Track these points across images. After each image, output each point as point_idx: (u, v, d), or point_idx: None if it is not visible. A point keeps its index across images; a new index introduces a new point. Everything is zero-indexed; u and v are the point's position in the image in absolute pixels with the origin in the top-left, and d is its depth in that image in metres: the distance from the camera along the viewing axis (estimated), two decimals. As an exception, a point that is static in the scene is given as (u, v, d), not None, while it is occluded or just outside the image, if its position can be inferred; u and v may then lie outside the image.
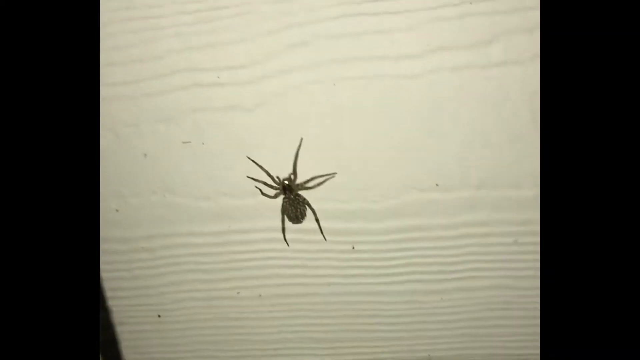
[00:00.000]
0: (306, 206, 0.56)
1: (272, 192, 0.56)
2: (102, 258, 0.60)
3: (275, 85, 0.52)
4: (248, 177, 0.55)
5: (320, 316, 0.60)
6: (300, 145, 0.53)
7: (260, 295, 0.60)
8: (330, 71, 0.51)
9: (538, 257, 0.54)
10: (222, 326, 0.62)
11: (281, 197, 0.56)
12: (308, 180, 0.55)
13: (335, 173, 0.54)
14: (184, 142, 0.55)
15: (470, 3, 0.47)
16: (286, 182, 0.55)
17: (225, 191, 0.56)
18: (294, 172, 0.54)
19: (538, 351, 0.58)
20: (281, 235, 0.57)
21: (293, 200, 0.55)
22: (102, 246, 0.60)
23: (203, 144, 0.54)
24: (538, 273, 0.55)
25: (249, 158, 0.54)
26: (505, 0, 0.47)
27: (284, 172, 0.55)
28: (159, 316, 0.63)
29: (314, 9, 0.49)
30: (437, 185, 0.53)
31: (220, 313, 0.62)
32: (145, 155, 0.55)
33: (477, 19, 0.48)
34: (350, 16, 0.49)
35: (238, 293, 0.60)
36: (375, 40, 0.49)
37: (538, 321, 0.57)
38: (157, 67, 0.51)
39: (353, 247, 0.57)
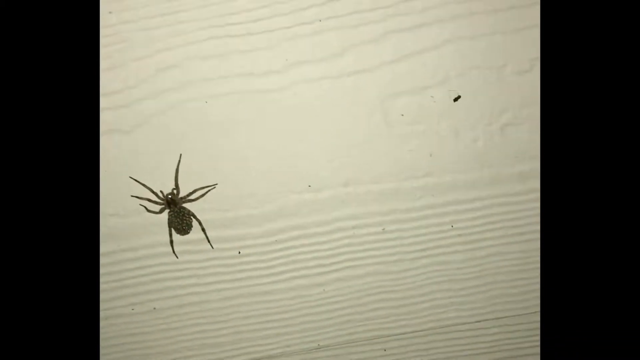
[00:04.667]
0: (192, 217, 0.59)
1: (157, 207, 0.59)
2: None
3: (150, 107, 0.56)
4: (132, 196, 0.58)
5: (213, 322, 0.63)
6: (180, 161, 0.57)
7: (154, 309, 0.63)
8: (202, 90, 0.55)
9: (404, 242, 0.61)
10: (118, 344, 0.63)
11: (166, 211, 0.59)
12: (191, 193, 0.58)
13: (216, 184, 0.58)
14: (65, 168, 0.56)
15: (320, 21, 0.54)
16: (170, 196, 0.58)
17: (111, 212, 0.59)
18: (176, 186, 0.58)
19: (414, 329, 0.65)
20: (170, 249, 0.60)
21: (178, 213, 0.58)
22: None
23: (85, 167, 0.57)
24: (405, 257, 0.61)
25: (131, 178, 0.57)
26: (351, 16, 0.54)
27: (167, 188, 0.58)
28: (54, 344, 0.63)
29: (182, 34, 0.54)
30: (309, 186, 0.59)
31: (116, 331, 0.63)
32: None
33: (328, 35, 0.54)
34: (216, 38, 0.54)
35: (133, 309, 0.62)
36: (241, 59, 0.55)
37: (411, 300, 0.64)
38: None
39: (239, 252, 0.61)
